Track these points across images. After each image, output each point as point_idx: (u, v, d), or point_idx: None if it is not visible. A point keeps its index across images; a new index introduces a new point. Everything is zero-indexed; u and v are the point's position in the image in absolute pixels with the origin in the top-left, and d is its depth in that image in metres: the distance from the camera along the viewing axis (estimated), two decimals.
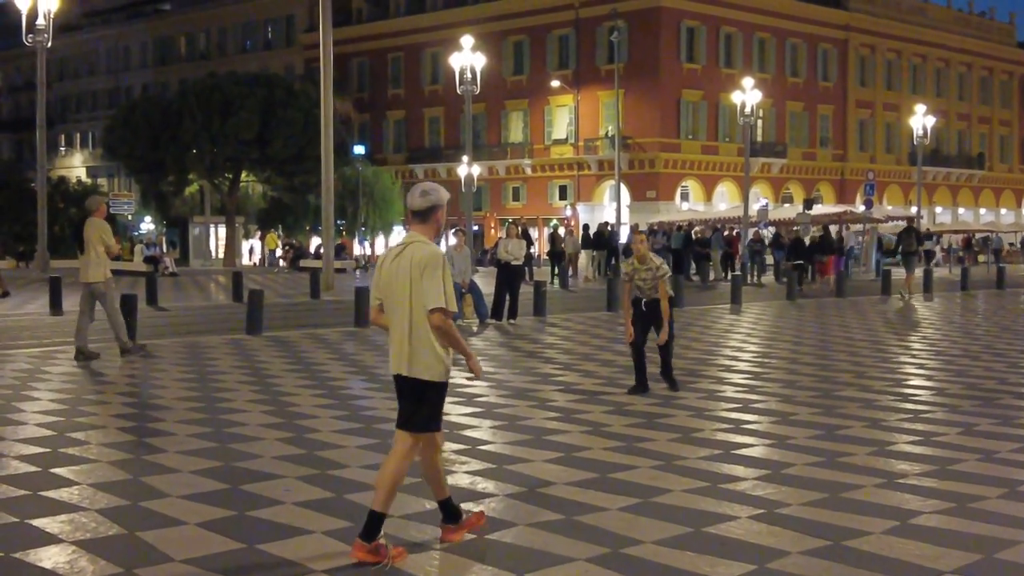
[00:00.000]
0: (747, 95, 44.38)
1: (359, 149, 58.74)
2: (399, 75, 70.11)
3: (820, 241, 33.28)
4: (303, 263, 44.01)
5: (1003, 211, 77.84)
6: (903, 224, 54.94)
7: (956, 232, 65.84)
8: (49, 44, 32.42)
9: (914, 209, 58.21)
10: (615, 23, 48.43)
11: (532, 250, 33.43)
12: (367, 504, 6.62)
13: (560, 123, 62.94)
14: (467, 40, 38.75)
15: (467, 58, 38.40)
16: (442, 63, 65.56)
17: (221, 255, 59.71)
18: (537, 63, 62.94)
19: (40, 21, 32.07)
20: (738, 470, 7.65)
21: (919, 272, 28.30)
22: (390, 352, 5.74)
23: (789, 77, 64.58)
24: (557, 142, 62.76)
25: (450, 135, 66.88)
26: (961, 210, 74.87)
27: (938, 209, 72.64)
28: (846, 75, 67.71)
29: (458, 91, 38.97)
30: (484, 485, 7.23)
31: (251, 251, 70.34)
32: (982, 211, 76.42)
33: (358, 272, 43.66)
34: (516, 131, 64.54)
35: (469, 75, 38.13)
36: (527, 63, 63.61)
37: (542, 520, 6.38)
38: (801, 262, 31.61)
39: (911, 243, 26.93)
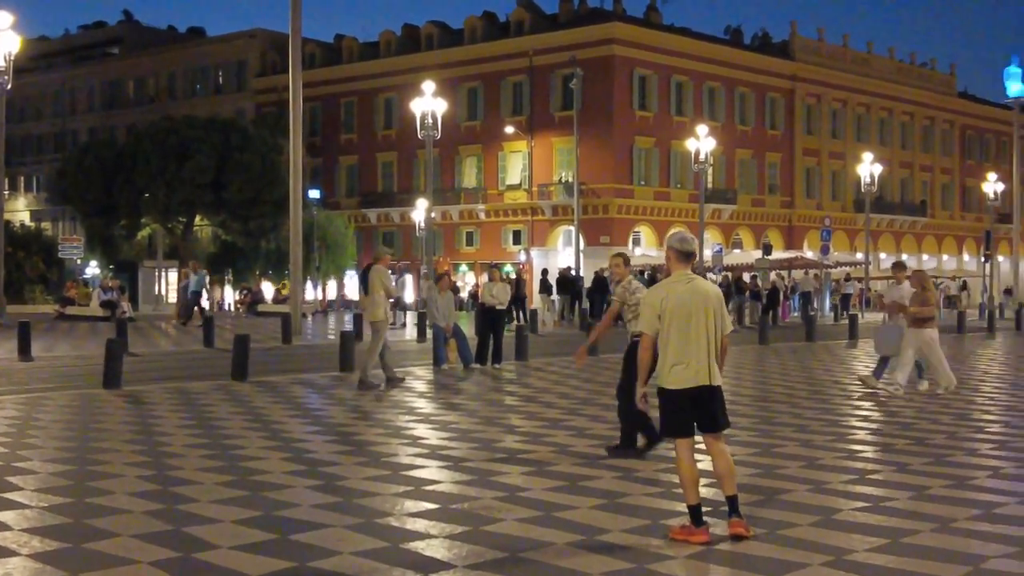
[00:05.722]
0: (701, 143, 44.88)
1: (314, 193, 58.43)
2: (352, 120, 70.11)
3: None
4: (261, 308, 43.49)
5: (945, 257, 79.38)
6: (848, 269, 56.30)
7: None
8: (9, 86, 31.89)
9: (860, 255, 59.25)
10: (574, 70, 48.87)
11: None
12: (423, 552, 6.56)
13: (514, 168, 63.26)
14: (428, 85, 38.78)
15: (428, 104, 38.39)
16: (396, 108, 65.77)
17: (172, 300, 58.87)
18: (491, 109, 63.31)
19: None
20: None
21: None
22: (678, 370, 6.76)
23: (738, 125, 65.56)
24: (511, 187, 63.05)
25: (403, 180, 66.92)
26: (904, 256, 76.11)
27: (882, 255, 73.98)
28: (793, 124, 68.92)
29: (419, 136, 38.89)
30: (539, 532, 7.10)
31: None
32: (925, 257, 77.82)
33: (310, 317, 42.99)
34: (470, 176, 64.76)
35: (430, 120, 38.10)
36: (481, 109, 63.97)
37: None
38: None
39: None
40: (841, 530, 7.14)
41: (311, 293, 58.26)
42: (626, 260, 10.54)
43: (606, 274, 39.05)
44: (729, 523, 6.84)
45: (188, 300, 35.36)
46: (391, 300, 16.39)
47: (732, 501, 6.86)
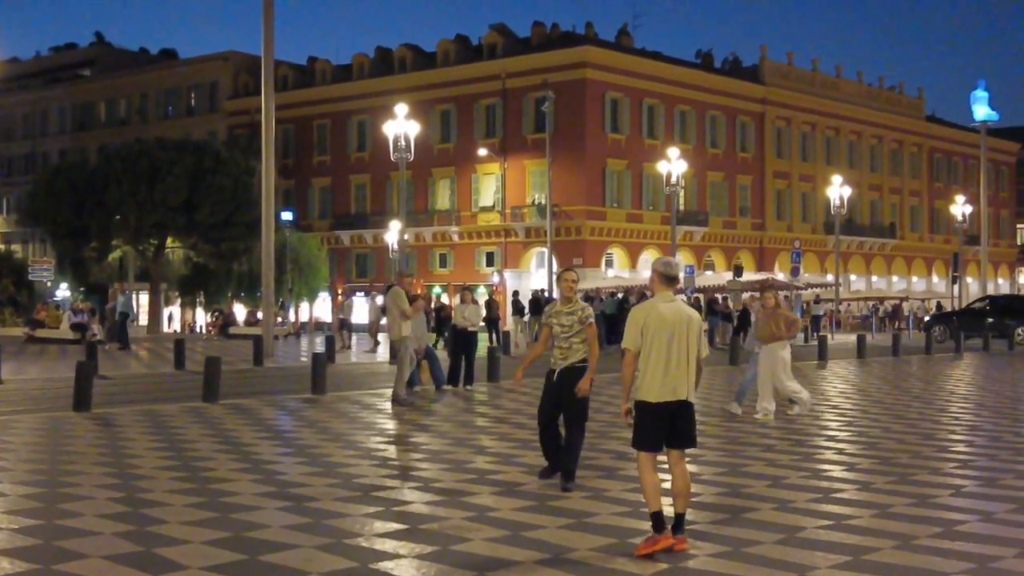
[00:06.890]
0: (672, 165, 45.18)
1: (287, 215, 58.34)
2: (325, 142, 70.14)
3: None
4: (233, 330, 43.32)
5: (914, 279, 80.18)
6: (818, 291, 56.79)
7: (868, 299, 67.77)
8: None
9: (830, 277, 59.73)
10: (546, 93, 49.16)
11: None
12: (392, 571, 6.63)
13: (487, 190, 63.43)
14: (401, 108, 38.93)
15: (401, 126, 38.54)
16: (369, 130, 65.88)
17: (143, 322, 58.57)
18: (464, 131, 63.50)
19: None
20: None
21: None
22: (656, 384, 7.08)
23: (709, 148, 66.02)
24: (484, 209, 63.19)
25: (376, 201, 66.97)
26: (874, 278, 77.00)
27: (852, 277, 74.64)
28: (763, 147, 69.47)
29: (392, 158, 39.02)
30: (506, 551, 7.18)
31: (170, 318, 69.11)
32: (894, 279, 78.61)
33: (282, 339, 42.82)
34: (443, 198, 64.88)
35: (403, 143, 38.22)
36: (454, 131, 64.15)
37: None
38: None
39: None
40: (804, 548, 7.26)
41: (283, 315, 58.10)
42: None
43: (580, 295, 39.27)
44: (674, 540, 7.13)
45: (117, 322, 34.95)
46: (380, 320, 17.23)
47: (681, 518, 7.27)
